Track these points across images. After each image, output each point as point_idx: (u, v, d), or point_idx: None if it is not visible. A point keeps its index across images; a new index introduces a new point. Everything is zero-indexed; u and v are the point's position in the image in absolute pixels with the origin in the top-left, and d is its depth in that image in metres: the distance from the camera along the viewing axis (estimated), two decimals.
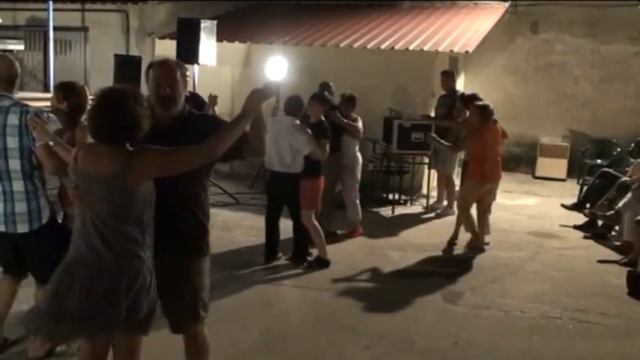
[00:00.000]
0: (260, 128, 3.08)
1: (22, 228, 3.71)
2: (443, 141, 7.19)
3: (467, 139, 6.93)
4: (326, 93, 7.18)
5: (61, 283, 2.83)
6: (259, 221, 6.74)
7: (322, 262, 6.14)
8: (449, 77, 8.80)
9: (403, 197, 8.96)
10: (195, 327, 3.25)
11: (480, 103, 6.89)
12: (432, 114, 8.91)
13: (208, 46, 8.12)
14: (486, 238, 7.05)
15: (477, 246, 6.88)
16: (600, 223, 7.72)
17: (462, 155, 9.03)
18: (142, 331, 3.13)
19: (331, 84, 7.86)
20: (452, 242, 7.03)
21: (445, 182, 8.77)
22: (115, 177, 2.75)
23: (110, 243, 2.81)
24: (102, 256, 2.81)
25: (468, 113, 7.31)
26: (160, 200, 2.93)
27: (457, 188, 8.95)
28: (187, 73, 3.30)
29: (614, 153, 10.69)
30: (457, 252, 6.89)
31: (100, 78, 9.54)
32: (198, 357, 3.33)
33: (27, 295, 3.99)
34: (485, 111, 6.70)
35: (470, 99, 7.40)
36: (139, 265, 2.86)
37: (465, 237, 6.97)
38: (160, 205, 2.94)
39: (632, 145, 9.93)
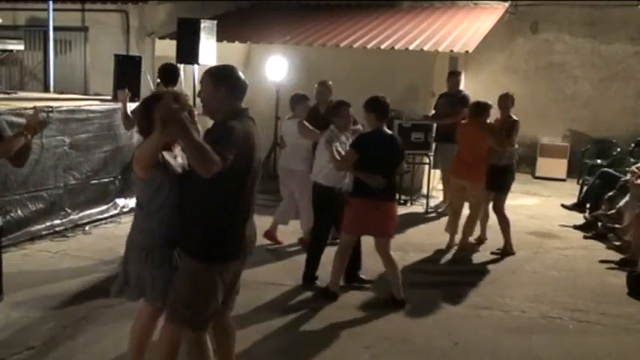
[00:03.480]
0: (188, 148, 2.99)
1: None
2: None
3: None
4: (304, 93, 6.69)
5: None
6: (267, 222, 6.68)
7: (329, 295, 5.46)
8: (456, 77, 8.88)
9: (403, 197, 8.95)
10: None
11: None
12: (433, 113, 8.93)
13: (208, 46, 8.11)
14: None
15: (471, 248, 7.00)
16: (600, 223, 7.72)
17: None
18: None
19: (330, 82, 7.32)
20: (480, 241, 7.17)
21: (447, 180, 8.70)
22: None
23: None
24: None
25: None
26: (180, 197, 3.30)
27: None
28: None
29: (614, 153, 10.70)
30: (457, 253, 6.89)
31: (100, 78, 9.54)
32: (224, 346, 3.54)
33: None
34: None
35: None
36: (141, 241, 3.38)
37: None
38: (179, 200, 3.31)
39: (632, 145, 9.93)
